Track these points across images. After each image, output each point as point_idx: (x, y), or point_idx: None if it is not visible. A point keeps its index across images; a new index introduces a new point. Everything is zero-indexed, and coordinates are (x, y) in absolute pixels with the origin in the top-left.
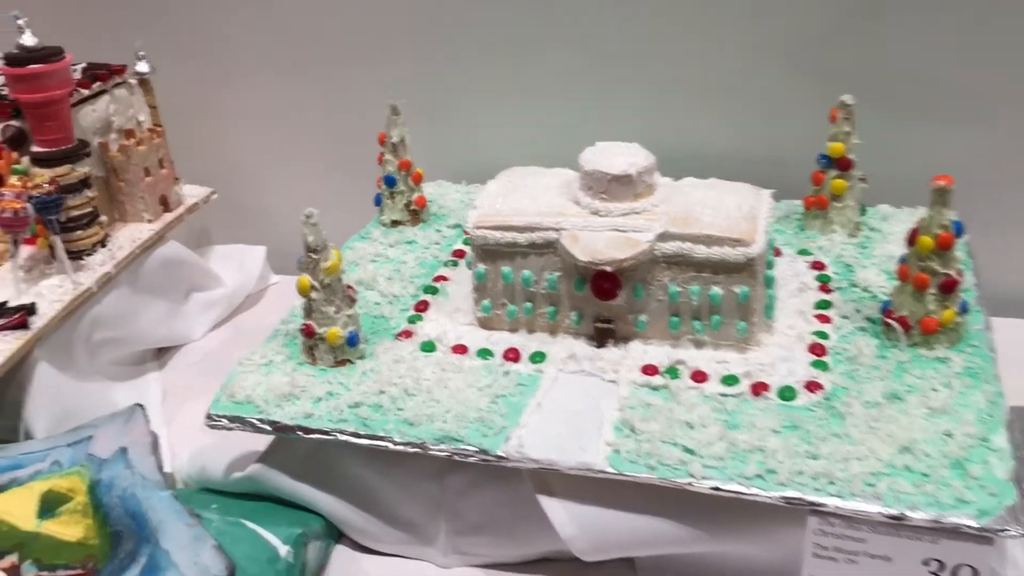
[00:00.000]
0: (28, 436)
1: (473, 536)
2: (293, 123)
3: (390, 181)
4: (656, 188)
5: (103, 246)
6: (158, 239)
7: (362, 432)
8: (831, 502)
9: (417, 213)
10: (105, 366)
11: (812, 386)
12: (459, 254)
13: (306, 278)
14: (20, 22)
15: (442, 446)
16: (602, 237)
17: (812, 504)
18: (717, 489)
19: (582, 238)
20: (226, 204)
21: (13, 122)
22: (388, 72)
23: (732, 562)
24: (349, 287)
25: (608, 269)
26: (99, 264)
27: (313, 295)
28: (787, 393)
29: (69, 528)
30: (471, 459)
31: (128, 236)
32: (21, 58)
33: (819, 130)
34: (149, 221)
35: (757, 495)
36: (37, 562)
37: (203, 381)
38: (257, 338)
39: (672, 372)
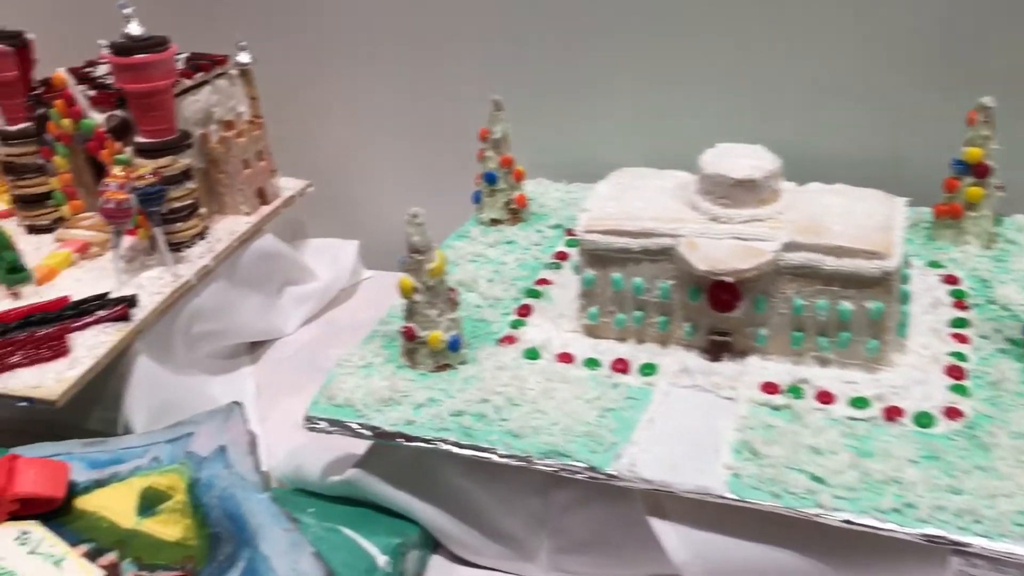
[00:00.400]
0: (127, 428)
1: (577, 554)
2: (392, 117)
3: (491, 178)
4: (781, 194)
5: (202, 238)
6: (255, 232)
7: (465, 442)
8: (977, 542)
9: (517, 212)
10: (202, 359)
11: (951, 412)
12: (561, 256)
13: (409, 279)
14: (127, 11)
15: (548, 461)
16: (722, 245)
17: (955, 544)
18: (849, 523)
19: (700, 246)
20: (321, 197)
21: (118, 112)
22: (491, 66)
23: None
24: (452, 290)
25: (728, 280)
26: (198, 256)
27: (416, 297)
28: (924, 419)
29: (168, 527)
30: (579, 476)
31: (226, 228)
32: (127, 47)
33: (947, 133)
34: (247, 214)
35: (894, 531)
36: (137, 561)
37: (297, 377)
38: (350, 334)
39: (795, 391)
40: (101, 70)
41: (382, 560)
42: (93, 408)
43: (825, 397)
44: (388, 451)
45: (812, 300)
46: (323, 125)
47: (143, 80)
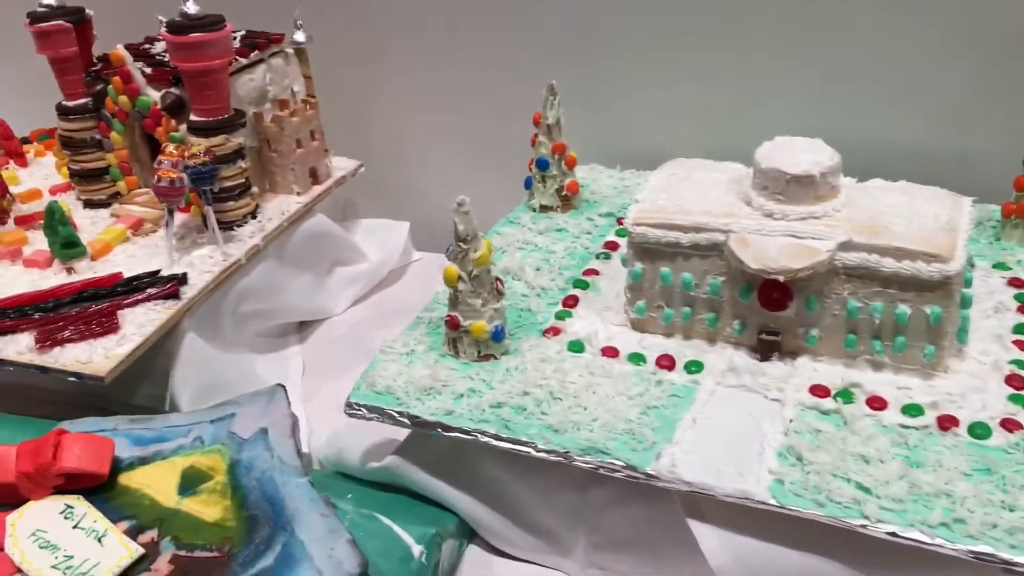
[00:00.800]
0: (174, 406)
1: (613, 552)
2: (446, 99)
3: (543, 164)
4: (840, 190)
5: (253, 217)
6: (306, 212)
7: (503, 435)
8: None
9: (568, 199)
10: (249, 339)
11: (1009, 424)
12: (611, 246)
13: (454, 268)
14: None
15: (587, 458)
16: (776, 243)
17: (1006, 563)
18: (895, 536)
19: (753, 243)
20: (372, 178)
21: (173, 90)
22: (547, 50)
23: None
24: (498, 280)
25: (780, 279)
26: (249, 236)
27: (460, 286)
28: (980, 430)
29: (208, 507)
30: (617, 474)
31: (277, 208)
32: (183, 26)
33: (1019, 127)
34: (298, 193)
35: (942, 547)
36: (175, 540)
37: (343, 358)
38: (398, 317)
39: (846, 395)
40: (158, 47)
41: (417, 550)
42: (141, 384)
43: (877, 403)
44: (428, 439)
45: (868, 302)
46: (376, 106)
47: (198, 59)
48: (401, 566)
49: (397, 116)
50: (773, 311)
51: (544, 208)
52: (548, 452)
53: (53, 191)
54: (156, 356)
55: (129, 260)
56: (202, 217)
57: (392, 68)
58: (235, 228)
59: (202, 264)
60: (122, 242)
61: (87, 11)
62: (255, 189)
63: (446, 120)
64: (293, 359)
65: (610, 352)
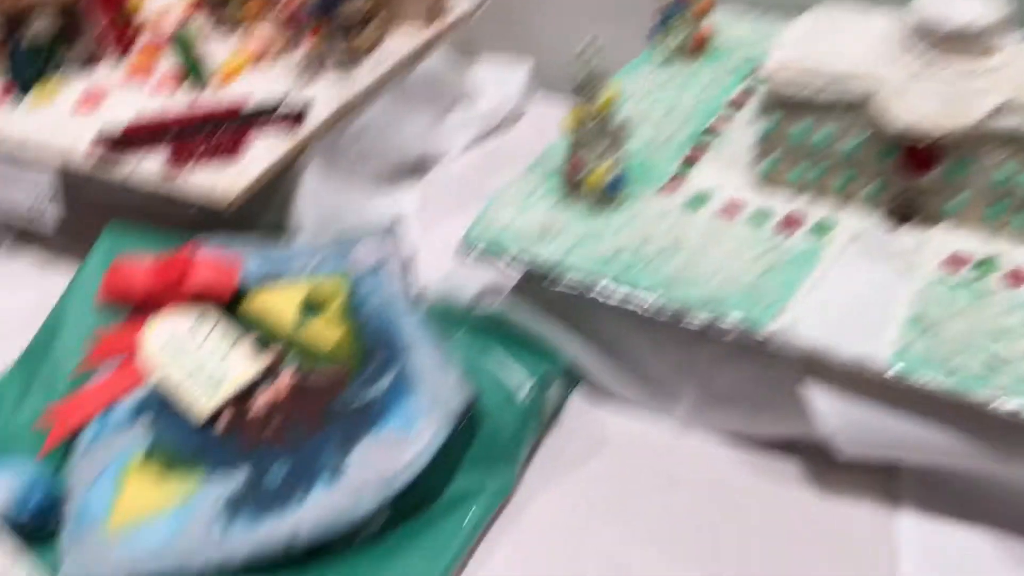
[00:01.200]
0: (292, 236)
1: (720, 406)
2: None
3: (674, 8)
4: (1004, 47)
5: (374, 52)
6: (426, 48)
7: (618, 285)
8: None
9: (700, 46)
10: (366, 176)
11: None
12: (741, 99)
13: (576, 113)
14: None
15: (703, 314)
16: (927, 102)
17: None
18: (1017, 416)
19: (901, 100)
20: (494, 14)
21: None
22: None
23: (1018, 490)
24: (620, 127)
25: (926, 140)
26: (369, 70)
27: (581, 132)
28: None
29: (327, 331)
30: (733, 332)
31: (398, 43)
32: None
33: None
34: (420, 29)
35: None
36: (296, 359)
37: (457, 200)
38: (515, 160)
39: (983, 267)
40: None
41: (524, 390)
42: (261, 214)
43: (1017, 277)
44: (541, 284)
45: (1019, 171)
46: None
47: None
48: (507, 404)
49: None
50: (914, 174)
51: (673, 55)
52: (662, 305)
53: (180, 17)
54: (278, 187)
55: (254, 87)
56: (325, 48)
57: None
58: (357, 62)
59: (325, 95)
60: (248, 69)
61: None
62: (377, 23)
63: None
64: (408, 199)
65: (733, 209)
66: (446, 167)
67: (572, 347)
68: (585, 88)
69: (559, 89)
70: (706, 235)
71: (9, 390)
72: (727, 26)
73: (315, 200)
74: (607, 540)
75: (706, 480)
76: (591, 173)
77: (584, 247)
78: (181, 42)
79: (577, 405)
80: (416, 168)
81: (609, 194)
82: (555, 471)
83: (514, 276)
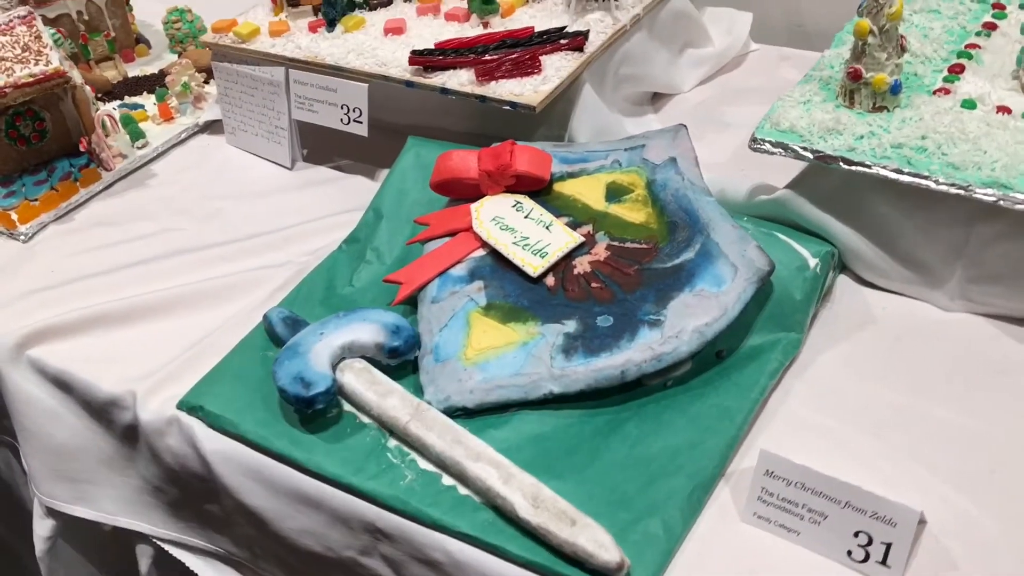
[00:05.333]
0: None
1: (987, 285)
2: None
3: None
4: None
5: None
6: None
7: (905, 169)
8: None
9: None
10: (620, 99)
11: None
12: (990, 26)
13: (865, 22)
14: None
15: (989, 191)
16: None
17: None
18: None
19: None
20: None
21: None
22: None
23: None
24: (902, 36)
25: None
26: (631, 5)
27: (870, 39)
28: None
29: (633, 212)
30: (1020, 206)
31: None
32: None
33: None
34: None
35: None
36: (608, 234)
37: (696, 129)
38: (743, 97)
39: None
40: None
41: (813, 261)
42: (540, 127)
43: None
44: (818, 177)
45: None
46: None
47: None
48: (798, 273)
49: None
50: None
51: None
52: (949, 185)
53: None
54: (556, 102)
55: (531, 19)
56: None
57: None
58: None
59: (596, 26)
60: (522, 5)
61: None
62: None
63: None
64: (653, 124)
65: (1004, 110)
66: (682, 100)
67: (844, 234)
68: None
69: (774, 42)
70: (985, 128)
71: (343, 263)
72: None
73: (589, 115)
74: (882, 390)
75: (975, 352)
76: (875, 76)
77: (869, 140)
78: None
79: (844, 287)
80: (656, 97)
81: (889, 97)
82: (832, 337)
83: (780, 177)
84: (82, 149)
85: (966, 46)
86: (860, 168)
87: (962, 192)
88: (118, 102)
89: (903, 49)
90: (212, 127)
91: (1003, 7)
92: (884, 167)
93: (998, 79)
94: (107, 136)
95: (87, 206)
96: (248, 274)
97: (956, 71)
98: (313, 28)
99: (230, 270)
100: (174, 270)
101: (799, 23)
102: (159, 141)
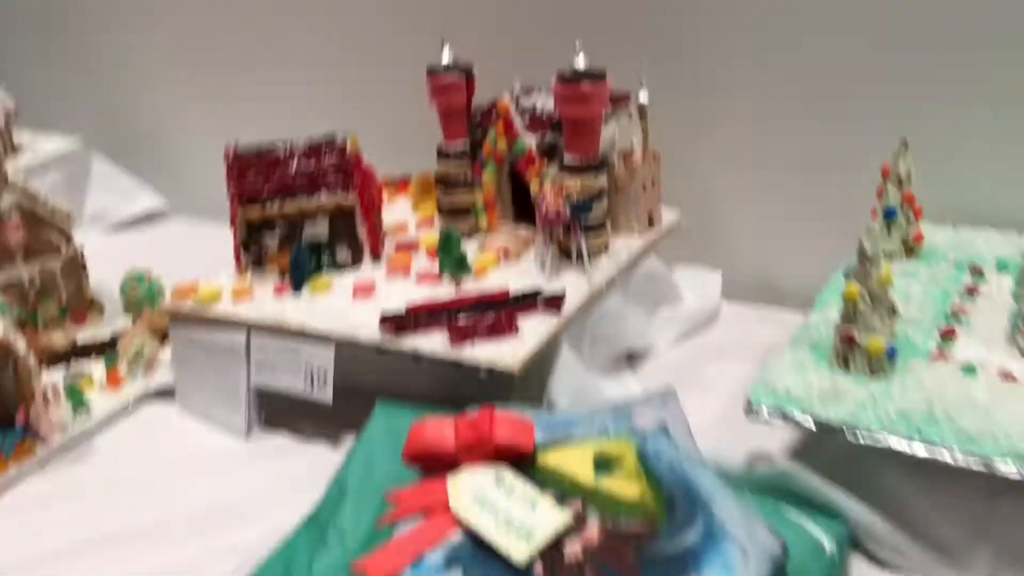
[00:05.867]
0: (550, 409)
1: (1022, 565)
2: (769, 157)
3: (891, 213)
4: None
5: (606, 252)
6: (645, 251)
7: (917, 439)
8: None
9: (912, 248)
10: (597, 359)
11: None
12: (972, 290)
13: (855, 285)
14: (577, 46)
15: (1011, 466)
16: None
17: None
18: None
19: None
20: (688, 231)
21: (549, 134)
22: (881, 107)
23: None
24: (892, 299)
25: None
26: (605, 268)
27: (860, 305)
28: None
29: (626, 487)
30: None
31: (622, 246)
32: (573, 77)
33: None
34: (638, 234)
35: None
36: (600, 512)
37: (677, 389)
38: (721, 355)
39: None
40: (529, 100)
41: (829, 545)
42: (516, 388)
43: None
44: (820, 445)
45: None
46: (700, 159)
47: (583, 105)
48: (812, 558)
49: (718, 169)
50: None
51: (887, 255)
52: (967, 457)
53: (420, 223)
54: (534, 364)
55: (503, 280)
56: (571, 247)
57: (720, 128)
58: (598, 258)
59: (571, 287)
60: (494, 266)
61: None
62: (608, 225)
63: (760, 171)
64: (632, 385)
65: (1008, 377)
66: (658, 359)
67: (854, 511)
68: (864, 263)
69: (742, 299)
70: (993, 395)
71: (302, 545)
72: (930, 233)
73: (567, 377)
74: None
75: None
76: (870, 341)
77: (872, 408)
78: (449, 239)
79: (858, 570)
80: (632, 357)
81: (885, 361)
82: None
83: (771, 443)
84: (18, 422)
85: (953, 310)
86: (869, 439)
87: (982, 468)
88: (65, 368)
89: (895, 312)
90: (164, 393)
91: (981, 270)
92: (896, 436)
93: (992, 343)
94: (47, 407)
95: (16, 485)
96: (194, 562)
97: (949, 335)
98: (279, 290)
99: (171, 559)
100: (108, 560)
101: (768, 282)
102: (104, 411)
